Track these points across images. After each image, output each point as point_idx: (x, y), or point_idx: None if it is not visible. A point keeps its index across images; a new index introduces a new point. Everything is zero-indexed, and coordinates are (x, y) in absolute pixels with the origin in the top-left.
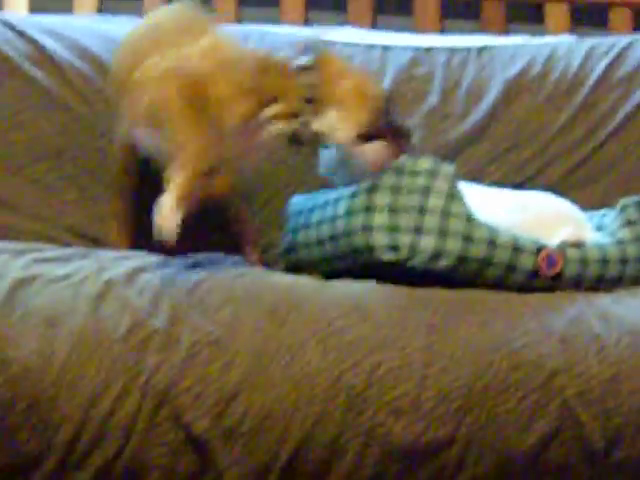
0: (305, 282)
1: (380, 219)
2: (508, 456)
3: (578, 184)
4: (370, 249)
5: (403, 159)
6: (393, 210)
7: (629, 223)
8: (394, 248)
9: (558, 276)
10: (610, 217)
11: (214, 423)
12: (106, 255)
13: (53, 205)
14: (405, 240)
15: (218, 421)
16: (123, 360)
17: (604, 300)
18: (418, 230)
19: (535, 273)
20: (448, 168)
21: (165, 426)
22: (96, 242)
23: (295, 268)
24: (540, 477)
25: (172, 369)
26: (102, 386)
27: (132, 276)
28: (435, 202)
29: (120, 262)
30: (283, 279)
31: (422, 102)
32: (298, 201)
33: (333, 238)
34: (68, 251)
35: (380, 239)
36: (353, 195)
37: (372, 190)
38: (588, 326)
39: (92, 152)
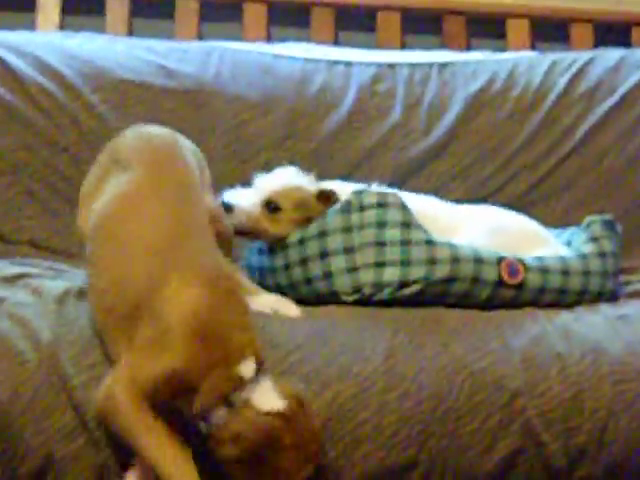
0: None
1: (338, 263)
2: (471, 477)
3: (540, 199)
4: (333, 293)
5: (346, 197)
6: (349, 250)
7: (593, 239)
8: (357, 289)
9: (521, 286)
10: (576, 234)
11: None
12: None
13: (13, 220)
14: (367, 278)
15: None
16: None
17: (566, 317)
18: (380, 265)
19: (499, 283)
20: (395, 198)
21: None
22: (55, 254)
23: None
24: None
25: None
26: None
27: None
28: (392, 233)
29: None
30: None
31: (385, 119)
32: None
33: (292, 286)
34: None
35: (342, 283)
36: (301, 242)
37: (322, 235)
38: (550, 345)
39: (53, 167)
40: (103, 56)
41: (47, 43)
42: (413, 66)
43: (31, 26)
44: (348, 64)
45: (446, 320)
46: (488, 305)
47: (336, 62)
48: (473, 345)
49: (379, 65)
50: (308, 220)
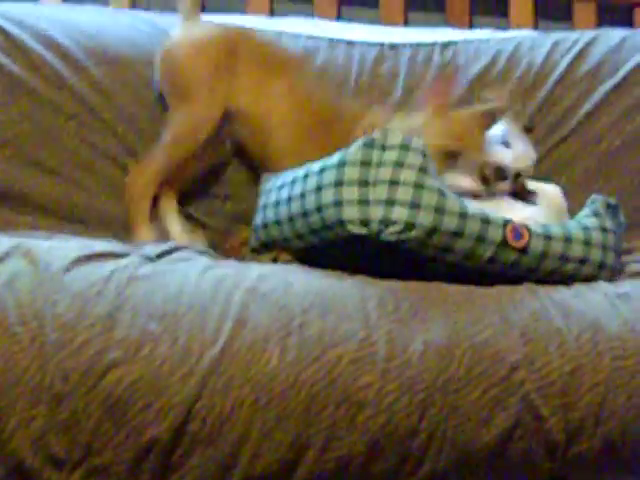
0: (268, 275)
1: (350, 193)
2: (469, 449)
3: (539, 179)
4: (341, 223)
5: (373, 134)
6: (363, 184)
7: (596, 214)
8: (365, 222)
9: (524, 250)
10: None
11: (174, 431)
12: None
13: (17, 191)
14: (376, 213)
15: (179, 428)
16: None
17: (565, 294)
18: (390, 202)
19: (503, 245)
20: (419, 143)
21: (125, 431)
22: (63, 220)
23: (267, 245)
24: (501, 470)
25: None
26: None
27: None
28: (408, 175)
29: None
30: (249, 274)
31: (386, 99)
32: (268, 179)
33: (304, 214)
34: None
35: (351, 213)
36: (321, 170)
37: (341, 165)
38: (549, 320)
39: (57, 136)
40: (106, 30)
41: (50, 16)
42: (415, 46)
43: None
44: (350, 43)
45: (447, 293)
46: (489, 269)
47: (338, 41)
48: (474, 318)
49: (381, 45)
50: None
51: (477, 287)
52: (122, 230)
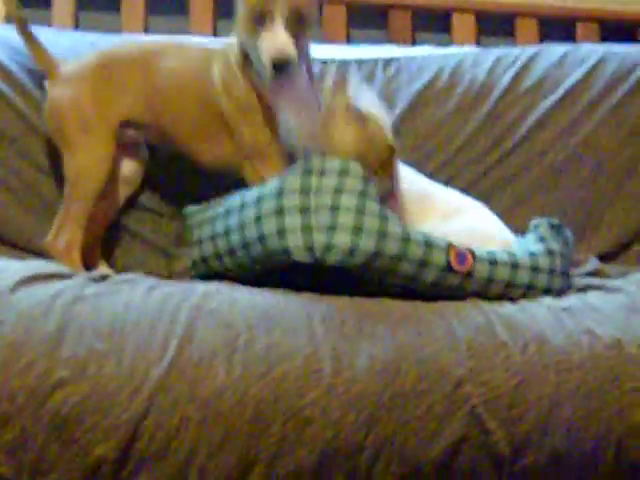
0: (214, 292)
1: (292, 221)
2: (417, 464)
3: (483, 194)
4: (285, 251)
5: (310, 160)
6: (305, 211)
7: (541, 239)
8: (309, 248)
9: (469, 275)
10: (525, 237)
11: (121, 449)
12: None
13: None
14: (319, 239)
15: (126, 447)
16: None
17: (510, 308)
18: (332, 228)
19: (447, 269)
20: (357, 167)
21: (72, 451)
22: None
23: (207, 277)
24: None
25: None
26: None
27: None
28: (349, 200)
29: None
30: (194, 292)
31: None
32: (193, 211)
33: (245, 245)
34: None
35: (294, 240)
36: (259, 200)
37: (280, 193)
38: (494, 334)
39: (1, 160)
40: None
41: None
42: (358, 62)
43: None
44: None
45: (392, 310)
46: (433, 292)
47: None
48: (419, 333)
49: (324, 62)
50: None
51: (422, 302)
52: None
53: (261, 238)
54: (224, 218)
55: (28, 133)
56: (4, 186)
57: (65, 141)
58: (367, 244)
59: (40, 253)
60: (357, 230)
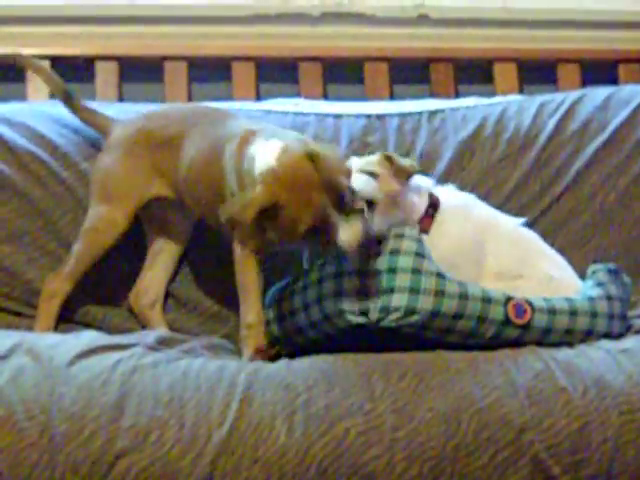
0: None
1: (349, 284)
2: None
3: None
4: (341, 313)
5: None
6: (362, 274)
7: (599, 284)
8: (364, 312)
9: (527, 326)
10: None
11: None
12: None
13: (17, 289)
14: (376, 302)
15: None
16: None
17: (568, 353)
18: (389, 290)
19: (505, 322)
20: (412, 230)
21: None
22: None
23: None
24: None
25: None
26: None
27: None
28: (405, 261)
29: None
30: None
31: None
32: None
33: (305, 307)
34: None
35: (350, 304)
36: (324, 263)
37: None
38: (553, 380)
39: (52, 234)
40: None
41: (37, 112)
42: (403, 116)
43: (21, 97)
44: (338, 116)
45: (449, 361)
46: (492, 344)
47: (326, 115)
48: (478, 383)
49: (368, 116)
50: None
51: (479, 352)
52: None
53: (318, 299)
54: (300, 292)
55: (77, 207)
56: (57, 260)
57: (91, 198)
58: (425, 303)
59: None
60: (415, 290)
